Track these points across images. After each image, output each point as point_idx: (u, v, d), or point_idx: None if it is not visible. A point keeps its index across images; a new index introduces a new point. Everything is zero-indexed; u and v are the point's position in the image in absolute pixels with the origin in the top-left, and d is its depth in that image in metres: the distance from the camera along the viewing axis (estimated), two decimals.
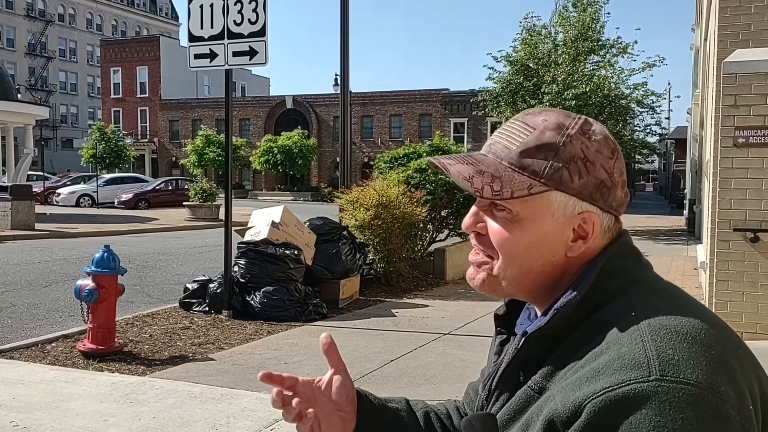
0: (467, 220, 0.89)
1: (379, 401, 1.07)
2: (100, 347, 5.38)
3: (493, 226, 0.87)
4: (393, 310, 7.64)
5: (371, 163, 36.83)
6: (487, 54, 24.05)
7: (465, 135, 43.05)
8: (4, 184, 18.22)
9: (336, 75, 42.11)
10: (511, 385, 0.87)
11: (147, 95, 52.91)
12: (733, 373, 0.75)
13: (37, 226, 17.20)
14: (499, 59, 21.64)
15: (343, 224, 8.80)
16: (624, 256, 0.88)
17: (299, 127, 46.12)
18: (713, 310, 5.99)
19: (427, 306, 7.99)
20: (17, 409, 4.16)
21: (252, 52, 6.91)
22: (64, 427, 3.90)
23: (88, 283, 5.33)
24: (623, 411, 0.70)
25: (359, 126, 45.62)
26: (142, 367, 5.17)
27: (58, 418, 4.04)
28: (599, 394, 0.72)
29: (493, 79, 21.78)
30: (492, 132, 0.91)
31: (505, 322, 0.98)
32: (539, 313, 0.90)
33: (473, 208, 0.90)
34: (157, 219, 22.34)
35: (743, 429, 0.72)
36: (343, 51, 10.10)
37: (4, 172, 21.78)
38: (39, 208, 19.45)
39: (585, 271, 0.85)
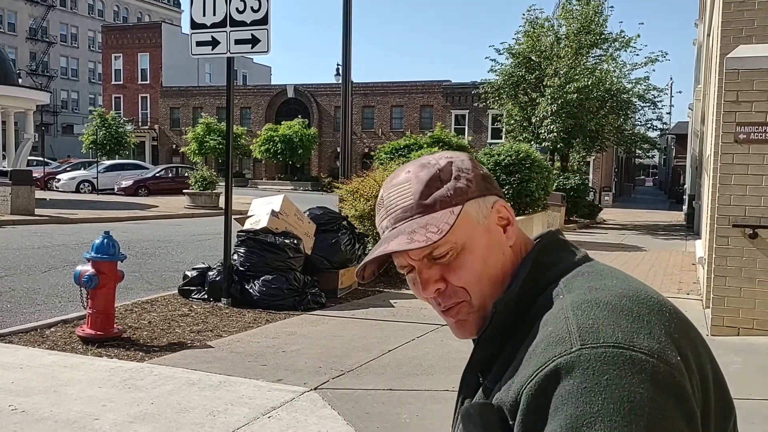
0: (433, 286, 0.91)
1: None
2: (99, 333, 5.39)
3: (451, 274, 0.90)
4: (391, 301, 7.67)
5: (372, 153, 36.76)
6: (490, 46, 24.02)
7: (466, 127, 42.98)
8: (4, 169, 18.21)
9: (338, 65, 42.03)
10: (473, 387, 0.92)
11: (148, 82, 52.74)
12: (654, 329, 0.78)
13: (37, 211, 17.21)
14: (501, 51, 21.60)
15: (342, 214, 8.80)
16: (554, 248, 0.94)
17: (300, 116, 46.02)
18: (711, 306, 6.01)
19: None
20: (16, 393, 4.19)
21: (254, 41, 6.89)
22: (62, 411, 3.92)
23: (87, 268, 5.34)
24: (554, 386, 0.74)
25: (360, 116, 45.52)
26: (140, 354, 5.19)
27: (57, 402, 4.06)
28: (532, 376, 0.76)
29: (495, 71, 21.74)
30: (493, 124, 0.95)
31: None
32: None
33: (423, 276, 0.92)
34: (157, 206, 22.34)
35: (670, 377, 0.74)
36: (345, 40, 10.07)
37: (4, 157, 21.76)
38: (39, 194, 19.45)
39: (518, 269, 0.91)
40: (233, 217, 7.39)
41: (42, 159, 33.95)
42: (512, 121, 22.22)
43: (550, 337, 0.78)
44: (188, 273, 7.50)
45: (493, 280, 0.91)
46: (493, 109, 25.30)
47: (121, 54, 53.39)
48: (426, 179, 0.91)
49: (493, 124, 39.06)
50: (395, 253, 0.91)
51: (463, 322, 0.93)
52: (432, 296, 0.92)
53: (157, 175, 31.71)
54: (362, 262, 0.95)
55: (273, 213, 7.43)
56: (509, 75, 21.14)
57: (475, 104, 29.01)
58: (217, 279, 7.10)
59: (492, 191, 0.94)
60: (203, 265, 7.58)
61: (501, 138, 30.42)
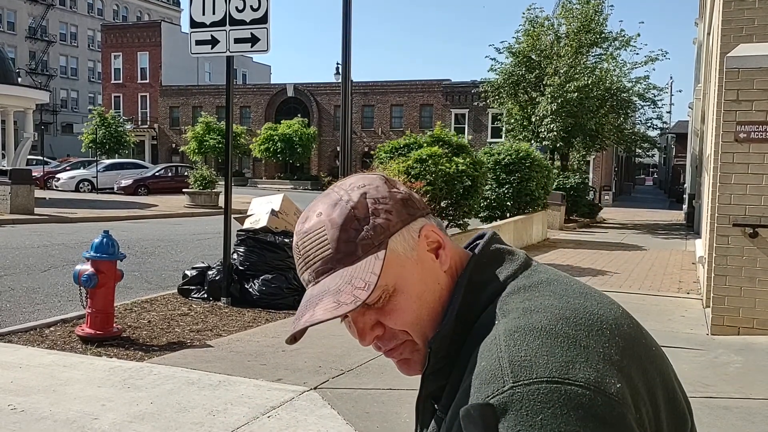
0: (370, 334, 0.85)
1: None
2: (98, 332, 5.39)
3: (387, 318, 0.84)
4: None
5: (371, 152, 36.74)
6: (490, 45, 24.08)
7: (466, 126, 42.97)
8: (4, 168, 18.20)
9: (337, 64, 42.02)
10: (428, 415, 0.89)
11: (147, 81, 52.72)
12: (592, 356, 0.73)
13: (37, 210, 17.20)
14: (501, 50, 21.59)
15: None
16: (488, 264, 0.87)
17: (300, 115, 46.00)
18: (711, 305, 5.99)
19: None
20: (15, 393, 4.18)
21: (254, 39, 6.88)
22: (61, 410, 3.91)
23: (87, 268, 5.34)
24: (487, 428, 0.70)
25: (360, 115, 45.52)
26: (140, 353, 5.18)
27: (56, 401, 4.05)
28: (465, 415, 0.73)
29: (495, 70, 21.73)
30: (493, 123, 0.92)
31: None
32: None
33: (359, 326, 0.86)
34: (157, 205, 22.33)
35: (608, 408, 0.70)
36: (345, 39, 10.05)
37: (3, 156, 21.75)
38: (38, 193, 19.44)
39: (453, 295, 0.85)
40: (233, 216, 7.38)
41: (41, 158, 33.91)
42: (512, 120, 22.21)
43: (483, 373, 0.74)
44: (188, 272, 7.49)
45: (433, 314, 0.85)
46: (493, 108, 25.30)
47: (120, 53, 53.36)
48: (340, 223, 0.83)
49: (493, 123, 39.06)
50: None
51: (407, 361, 0.88)
52: (371, 344, 0.87)
53: (157, 174, 31.70)
54: (291, 333, 0.85)
55: (273, 212, 7.42)
56: (509, 74, 21.12)
57: (475, 103, 29.01)
58: (217, 278, 7.09)
59: (416, 215, 0.86)
60: (203, 265, 7.57)
61: (501, 137, 30.41)
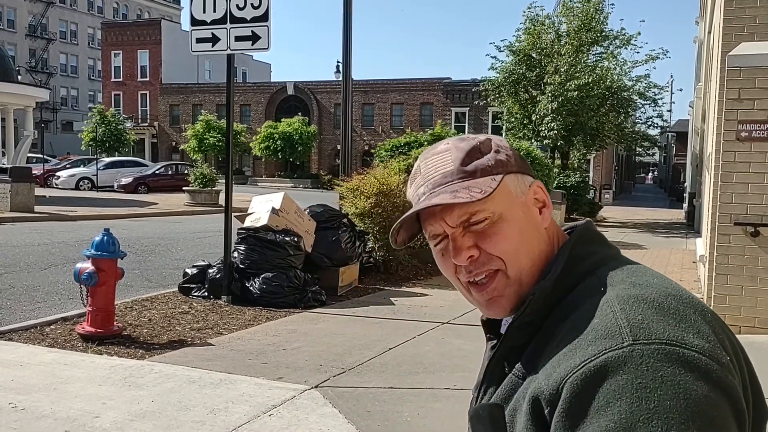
0: (466, 252, 0.89)
1: None
2: (99, 330, 5.38)
3: (487, 241, 0.89)
4: (392, 299, 7.65)
5: (372, 151, 36.72)
6: (490, 43, 23.99)
7: (466, 124, 42.94)
8: (4, 166, 18.19)
9: (338, 62, 41.94)
10: (497, 376, 0.90)
11: (148, 79, 52.67)
12: (702, 328, 0.77)
13: (37, 208, 17.19)
14: (501, 49, 21.56)
15: (343, 212, 8.79)
16: (590, 241, 0.92)
17: (300, 113, 45.98)
18: (712, 304, 6.00)
19: (425, 295, 8.00)
20: (16, 391, 4.18)
21: (254, 37, 6.87)
22: (62, 409, 3.91)
23: (87, 266, 5.33)
24: (603, 380, 0.72)
25: (360, 114, 45.48)
26: (140, 351, 5.18)
27: (57, 400, 4.05)
28: (578, 367, 0.74)
29: (496, 68, 21.70)
30: (493, 121, 0.98)
31: (492, 328, 1.00)
32: None
33: (457, 244, 0.90)
34: (157, 203, 22.32)
35: (723, 376, 0.73)
36: (346, 37, 10.04)
37: (3, 154, 21.73)
38: (38, 191, 19.42)
39: (555, 258, 0.90)
40: (233, 214, 7.37)
41: (42, 156, 33.91)
42: (512, 119, 22.19)
43: (597, 329, 0.76)
44: (188, 270, 7.48)
45: (531, 255, 0.90)
46: (493, 106, 25.28)
47: (120, 51, 53.30)
48: (466, 149, 0.92)
49: (493, 121, 39.04)
50: (431, 217, 0.91)
51: (497, 299, 0.91)
52: (464, 263, 0.90)
53: (157, 172, 31.69)
54: (398, 221, 0.93)
55: (273, 210, 7.41)
56: (510, 72, 21.09)
57: (476, 102, 28.97)
58: (218, 276, 7.09)
59: (528, 172, 0.94)
60: (203, 263, 7.57)
61: (501, 135, 30.34)
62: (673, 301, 0.79)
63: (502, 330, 0.95)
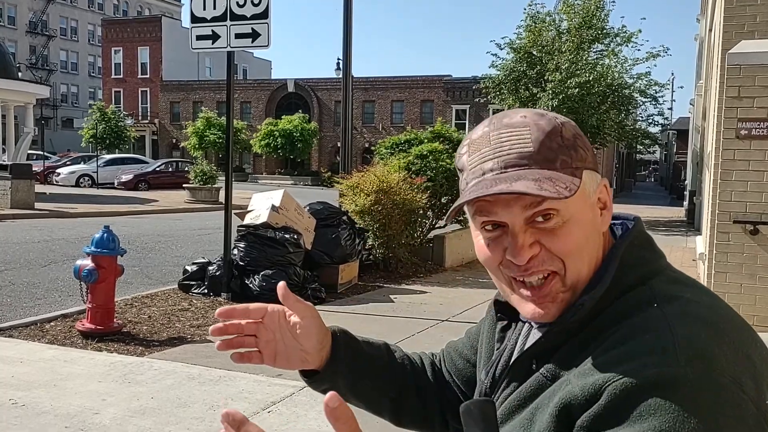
0: (528, 252, 0.81)
1: (354, 349, 1.06)
2: (98, 327, 5.39)
3: (551, 239, 0.81)
4: (391, 296, 7.66)
5: (372, 148, 36.67)
6: (491, 41, 23.97)
7: (467, 122, 42.92)
8: (4, 163, 18.19)
9: (338, 59, 41.94)
10: (523, 373, 0.87)
11: (148, 76, 52.65)
12: (753, 367, 0.75)
13: (37, 205, 17.20)
14: (502, 46, 21.52)
15: (343, 209, 8.80)
16: (640, 245, 0.86)
17: (300, 111, 45.97)
18: None
19: (425, 292, 8.01)
20: (16, 387, 4.19)
21: (254, 35, 6.87)
22: (62, 405, 3.92)
23: (87, 263, 5.34)
24: (648, 394, 0.70)
25: (360, 111, 45.47)
26: (140, 348, 5.19)
27: (57, 396, 4.06)
28: (621, 377, 0.71)
29: (496, 66, 21.67)
30: None
31: (505, 309, 0.95)
32: None
33: (518, 240, 0.81)
34: (157, 200, 22.33)
35: (758, 423, 0.72)
36: (346, 34, 10.04)
37: (4, 151, 21.71)
38: (39, 188, 19.44)
39: (606, 264, 0.84)
40: (233, 211, 7.38)
41: (42, 153, 33.89)
42: None
43: (649, 343, 0.73)
44: (188, 267, 7.50)
45: (589, 261, 0.83)
46: (494, 104, 25.26)
47: (121, 48, 53.28)
48: (547, 130, 0.81)
49: None
50: (498, 202, 0.81)
51: (548, 305, 0.83)
52: (522, 263, 0.81)
53: (157, 169, 31.69)
54: (468, 198, 0.81)
55: (273, 208, 7.42)
56: (510, 70, 21.07)
57: (476, 99, 28.97)
58: (217, 273, 7.10)
59: (597, 168, 0.86)
60: (203, 260, 7.58)
61: None
62: (728, 327, 0.77)
63: (523, 318, 0.91)
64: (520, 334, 0.94)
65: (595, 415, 0.71)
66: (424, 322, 6.29)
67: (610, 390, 0.71)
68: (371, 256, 9.21)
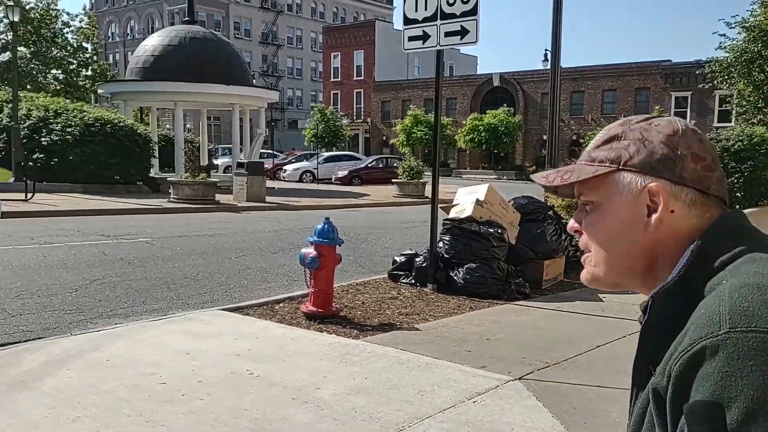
0: (572, 223, 1.01)
1: None
2: (320, 310, 5.91)
3: (585, 221, 0.98)
4: (600, 295, 7.35)
5: (580, 141, 35.16)
6: (719, 20, 21.63)
7: (688, 110, 39.32)
8: (242, 161, 20.56)
9: (546, 50, 40.77)
10: (644, 379, 0.90)
11: (362, 78, 55.86)
12: None
13: (267, 198, 19.24)
14: (732, 25, 19.37)
15: (548, 204, 8.61)
16: (725, 236, 0.88)
17: (505, 104, 45.58)
18: None
19: (636, 293, 7.54)
20: (252, 359, 4.76)
21: (463, 32, 7.00)
22: (290, 378, 4.38)
23: (311, 251, 5.87)
24: (696, 366, 0.74)
25: (568, 102, 43.83)
26: (355, 331, 5.59)
27: (285, 370, 4.55)
28: (679, 356, 0.77)
29: (725, 48, 19.58)
30: (721, 106, 0.97)
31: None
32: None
33: (576, 215, 1.01)
34: (369, 195, 23.67)
35: None
36: (555, 23, 9.77)
37: (241, 150, 24.53)
38: (268, 183, 21.68)
39: (682, 256, 0.89)
40: (439, 205, 7.60)
41: (272, 152, 37.69)
42: (744, 102, 19.86)
43: (701, 318, 0.78)
44: (397, 258, 7.88)
45: (613, 251, 0.95)
46: (721, 89, 22.84)
47: (339, 53, 57.18)
48: (610, 134, 0.96)
49: (720, 106, 35.26)
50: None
51: (585, 268, 1.00)
52: (569, 231, 1.02)
53: (369, 165, 33.58)
54: (562, 183, 0.99)
55: (477, 202, 7.51)
56: (742, 51, 18.90)
57: (700, 85, 26.34)
58: (424, 265, 7.37)
59: (662, 174, 0.90)
60: (411, 252, 7.91)
61: (730, 122, 27.31)
62: None
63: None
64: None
65: (668, 399, 0.77)
66: (637, 325, 5.95)
67: (674, 371, 0.77)
68: (578, 253, 8.90)
